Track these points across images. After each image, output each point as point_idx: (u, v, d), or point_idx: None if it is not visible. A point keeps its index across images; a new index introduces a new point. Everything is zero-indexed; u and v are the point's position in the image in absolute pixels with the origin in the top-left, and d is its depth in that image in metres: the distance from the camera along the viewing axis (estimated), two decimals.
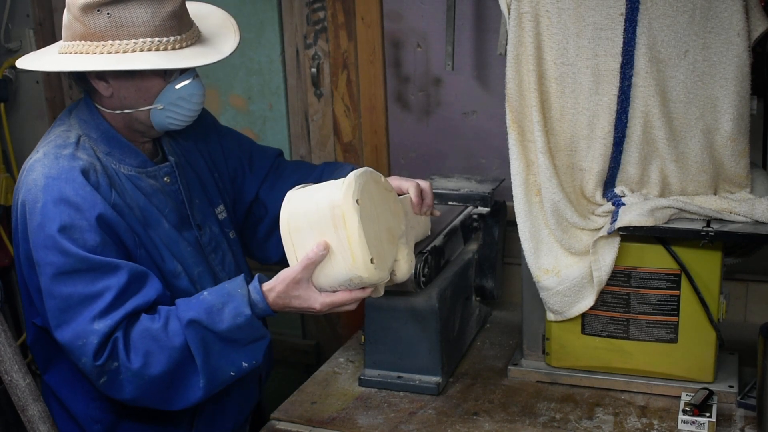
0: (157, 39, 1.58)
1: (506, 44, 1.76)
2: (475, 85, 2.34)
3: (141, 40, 1.57)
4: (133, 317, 1.57)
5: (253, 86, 2.61)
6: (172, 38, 1.60)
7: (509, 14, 1.73)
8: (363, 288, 1.56)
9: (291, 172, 2.01)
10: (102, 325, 1.53)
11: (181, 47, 1.61)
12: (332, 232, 1.52)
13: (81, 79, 1.68)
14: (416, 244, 1.82)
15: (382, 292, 1.63)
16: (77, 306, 1.54)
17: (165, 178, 1.75)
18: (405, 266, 1.64)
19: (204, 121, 1.96)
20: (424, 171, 2.40)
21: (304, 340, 2.81)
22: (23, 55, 2.72)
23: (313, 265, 1.54)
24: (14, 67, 2.76)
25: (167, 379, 1.56)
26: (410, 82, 2.42)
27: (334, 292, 1.56)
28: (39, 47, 2.71)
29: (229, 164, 1.98)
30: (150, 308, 1.60)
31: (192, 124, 1.82)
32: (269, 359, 2.04)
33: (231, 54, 1.68)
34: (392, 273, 1.62)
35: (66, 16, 1.62)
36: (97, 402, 1.72)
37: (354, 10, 2.40)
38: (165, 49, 1.59)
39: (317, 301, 1.56)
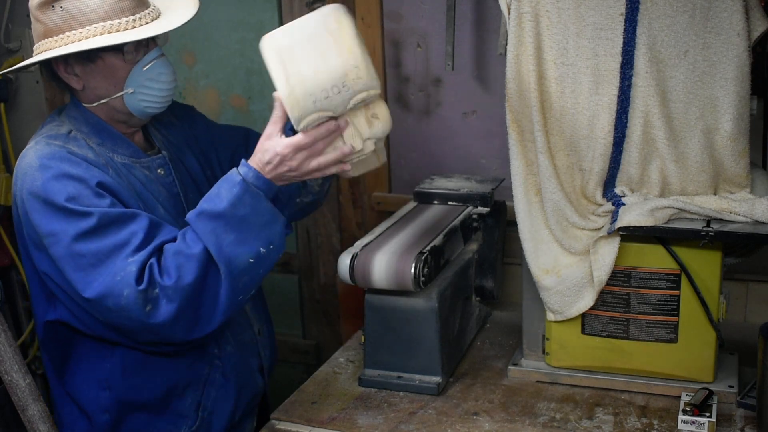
0: (109, 22, 1.62)
1: (506, 44, 1.76)
2: (475, 85, 2.34)
3: (94, 26, 1.62)
4: (161, 249, 1.61)
5: (253, 86, 2.62)
6: (125, 19, 1.64)
7: (509, 14, 1.73)
8: (331, 126, 1.55)
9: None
10: (137, 257, 1.57)
11: (134, 27, 1.65)
12: (325, 36, 1.52)
13: (57, 79, 1.72)
14: (416, 244, 1.82)
15: (359, 147, 1.60)
16: (109, 256, 1.57)
17: (159, 170, 1.79)
18: (385, 113, 1.61)
19: (192, 117, 1.99)
20: (424, 171, 2.40)
21: (304, 340, 2.81)
22: (23, 55, 2.72)
23: (280, 120, 1.58)
24: None
25: (198, 285, 1.58)
26: (410, 82, 2.42)
27: (315, 131, 1.56)
28: None
29: (223, 154, 2.00)
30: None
31: (181, 120, 1.84)
32: (273, 351, 2.05)
33: (181, 25, 1.70)
34: (373, 123, 1.60)
35: (32, 21, 1.68)
36: (107, 392, 1.74)
37: (354, 10, 2.40)
38: (117, 31, 1.63)
39: (279, 144, 1.57)
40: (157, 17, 1.70)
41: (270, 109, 2.62)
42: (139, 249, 1.58)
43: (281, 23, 2.52)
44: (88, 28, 1.62)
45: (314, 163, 1.60)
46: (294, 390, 1.91)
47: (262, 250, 1.61)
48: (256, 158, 1.61)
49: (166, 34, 1.70)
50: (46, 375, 3.01)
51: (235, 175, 1.60)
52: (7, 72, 1.78)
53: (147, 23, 1.67)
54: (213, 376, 1.82)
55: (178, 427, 1.80)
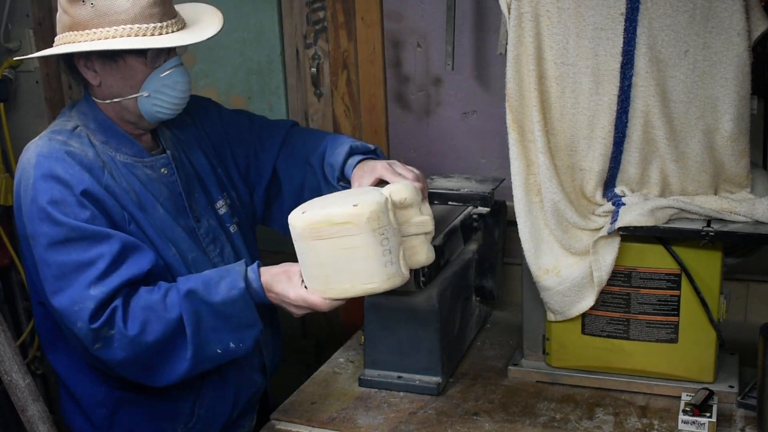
0: (137, 25, 1.64)
1: (506, 44, 1.76)
2: (475, 85, 2.34)
3: (122, 27, 1.63)
4: (131, 289, 1.62)
5: (253, 86, 2.61)
6: (152, 25, 1.65)
7: (509, 14, 1.73)
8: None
9: (300, 146, 2.03)
10: (98, 291, 1.58)
11: (161, 34, 1.66)
12: (327, 242, 1.52)
13: (75, 71, 1.74)
14: None
15: (431, 228, 1.62)
16: (72, 273, 1.59)
17: (162, 170, 1.80)
18: (424, 260, 1.61)
19: (207, 113, 2.00)
20: (424, 171, 2.38)
21: (304, 340, 2.81)
22: (23, 54, 2.71)
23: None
24: (14, 67, 2.76)
25: (159, 347, 1.61)
26: (410, 82, 2.42)
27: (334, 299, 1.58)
28: (39, 47, 2.72)
29: (238, 152, 2.02)
30: (146, 279, 1.65)
31: (193, 117, 1.85)
32: (276, 349, 2.05)
33: (209, 38, 1.72)
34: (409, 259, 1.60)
35: (58, 12, 1.70)
36: (102, 387, 1.75)
37: (354, 10, 2.40)
38: (144, 35, 1.64)
39: (293, 291, 1.61)
40: (182, 27, 1.72)
41: (269, 109, 2.64)
42: (102, 278, 1.59)
43: (281, 23, 2.51)
44: (116, 28, 1.63)
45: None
46: (294, 390, 1.91)
47: (232, 345, 1.65)
48: (268, 277, 1.64)
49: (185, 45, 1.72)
50: (46, 375, 3.02)
51: (241, 279, 1.63)
52: (29, 58, 1.81)
53: (173, 31, 1.69)
54: (209, 374, 1.83)
55: (175, 424, 1.81)
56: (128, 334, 1.58)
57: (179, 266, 1.75)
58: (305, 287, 1.59)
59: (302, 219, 1.53)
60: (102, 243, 1.61)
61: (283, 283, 1.62)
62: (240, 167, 2.01)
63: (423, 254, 1.61)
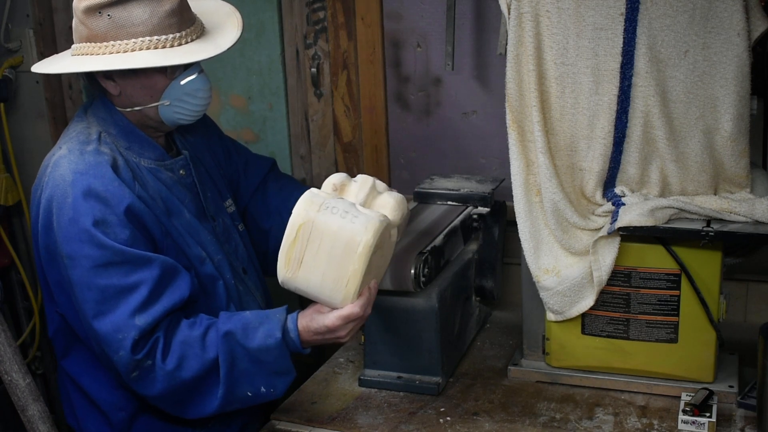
0: (155, 37, 1.62)
1: (506, 44, 1.76)
2: (475, 85, 2.34)
3: (140, 39, 1.61)
4: (173, 318, 1.62)
5: (253, 86, 2.61)
6: (171, 36, 1.63)
7: (509, 14, 1.73)
8: (374, 288, 1.62)
9: (273, 195, 2.05)
10: (142, 321, 1.58)
11: (180, 44, 1.64)
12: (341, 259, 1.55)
13: (93, 79, 1.72)
14: (416, 244, 1.82)
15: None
16: (113, 298, 1.59)
17: (181, 171, 1.80)
18: (392, 202, 1.64)
19: (207, 122, 2.00)
20: (424, 171, 2.40)
21: None
22: (23, 55, 2.73)
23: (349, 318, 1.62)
24: (14, 67, 2.76)
25: (193, 384, 1.62)
26: (410, 82, 2.42)
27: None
28: (39, 47, 2.72)
29: (229, 167, 2.02)
30: (186, 306, 1.65)
31: (197, 123, 1.85)
32: None
33: (229, 48, 1.70)
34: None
35: (74, 19, 1.67)
36: (120, 390, 1.75)
37: (354, 10, 2.40)
38: (164, 47, 1.62)
39: (328, 317, 1.60)
40: (201, 33, 1.70)
41: (269, 109, 2.64)
42: (145, 306, 1.58)
43: (281, 23, 2.52)
44: (134, 40, 1.61)
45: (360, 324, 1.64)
46: (294, 390, 1.91)
47: (263, 390, 1.65)
48: (305, 321, 1.63)
49: None
50: (46, 375, 3.01)
51: (278, 329, 1.62)
52: (51, 73, 1.75)
53: (192, 40, 1.67)
54: None
55: (193, 427, 1.80)
56: (166, 368, 1.59)
57: (211, 268, 1.76)
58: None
59: (279, 268, 1.58)
60: (143, 268, 1.60)
61: (317, 318, 1.62)
62: (228, 180, 2.02)
63: (390, 200, 1.63)
